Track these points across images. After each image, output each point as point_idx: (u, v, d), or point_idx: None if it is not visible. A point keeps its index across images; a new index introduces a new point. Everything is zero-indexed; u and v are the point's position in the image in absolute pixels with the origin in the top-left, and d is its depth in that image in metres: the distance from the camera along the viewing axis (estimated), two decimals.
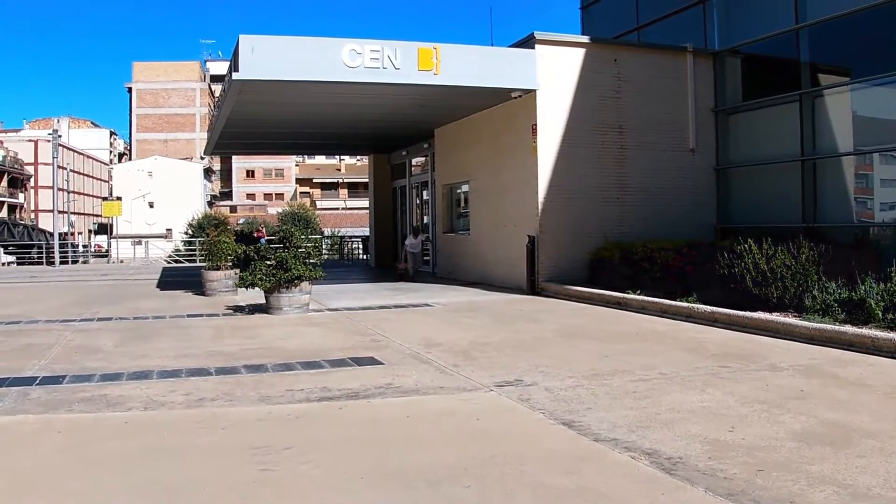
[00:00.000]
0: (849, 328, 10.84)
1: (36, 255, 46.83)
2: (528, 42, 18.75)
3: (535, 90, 18.48)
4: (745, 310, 12.85)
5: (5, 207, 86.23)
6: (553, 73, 18.65)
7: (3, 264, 45.99)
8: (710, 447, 6.23)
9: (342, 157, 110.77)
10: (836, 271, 12.90)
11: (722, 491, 5.26)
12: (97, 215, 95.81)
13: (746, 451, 6.12)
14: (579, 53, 19.15)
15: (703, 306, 13.53)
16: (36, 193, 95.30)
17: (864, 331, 10.59)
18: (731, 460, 5.89)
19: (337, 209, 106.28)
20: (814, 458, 5.89)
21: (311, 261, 16.73)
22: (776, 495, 5.16)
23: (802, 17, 18.06)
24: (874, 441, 6.29)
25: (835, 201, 17.82)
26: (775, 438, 6.42)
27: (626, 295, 15.66)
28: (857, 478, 5.45)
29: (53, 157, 47.75)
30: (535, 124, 18.66)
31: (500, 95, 19.16)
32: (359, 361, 10.25)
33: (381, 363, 10.12)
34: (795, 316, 12.27)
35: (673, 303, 14.30)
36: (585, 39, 19.96)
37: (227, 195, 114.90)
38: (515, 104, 19.34)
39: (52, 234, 49.01)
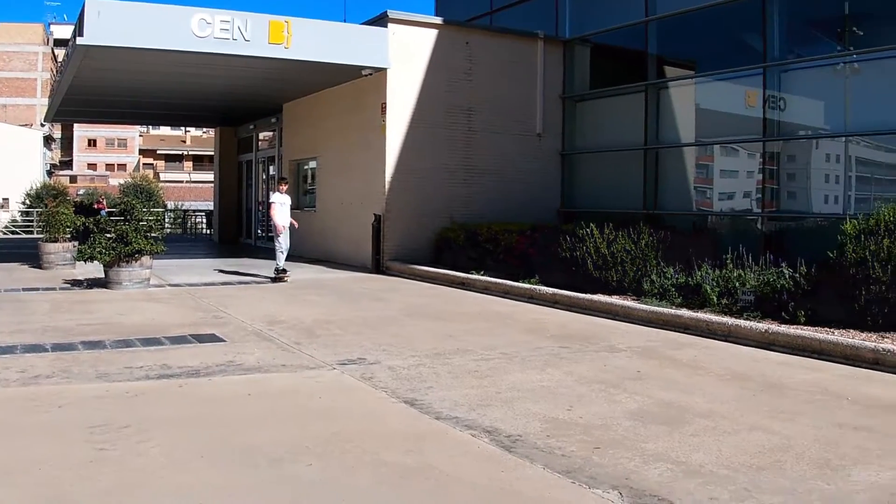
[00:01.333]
0: (685, 312, 11.16)
1: None
2: (380, 20, 18.57)
3: (385, 69, 18.32)
4: (585, 292, 13.09)
5: None
6: (405, 53, 18.54)
7: None
8: (548, 425, 6.28)
9: (188, 128, 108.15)
10: (675, 257, 13.28)
11: (559, 468, 5.30)
12: None
13: (584, 429, 6.20)
14: (432, 34, 19.09)
15: (545, 288, 13.72)
16: None
17: (700, 314, 10.93)
18: (568, 438, 5.95)
19: (181, 182, 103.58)
20: (649, 437, 6.01)
21: (153, 235, 16.24)
22: (612, 472, 5.23)
23: (652, 10, 18.45)
24: (707, 420, 6.46)
25: (675, 190, 18.33)
26: (612, 417, 6.53)
27: (469, 275, 15.76)
28: (691, 455, 5.58)
29: None
30: (385, 103, 18.51)
31: (350, 72, 18.90)
32: (200, 338, 10.01)
33: (223, 340, 9.91)
34: (634, 299, 12.57)
35: (515, 284, 14.45)
36: (438, 20, 19.90)
37: (67, 164, 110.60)
38: (366, 82, 19.15)
39: None
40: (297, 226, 18.13)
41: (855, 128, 14.83)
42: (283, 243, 17.08)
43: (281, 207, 17.17)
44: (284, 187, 17.84)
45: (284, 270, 16.93)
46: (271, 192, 24.38)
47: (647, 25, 18.60)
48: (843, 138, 15.04)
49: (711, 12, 16.96)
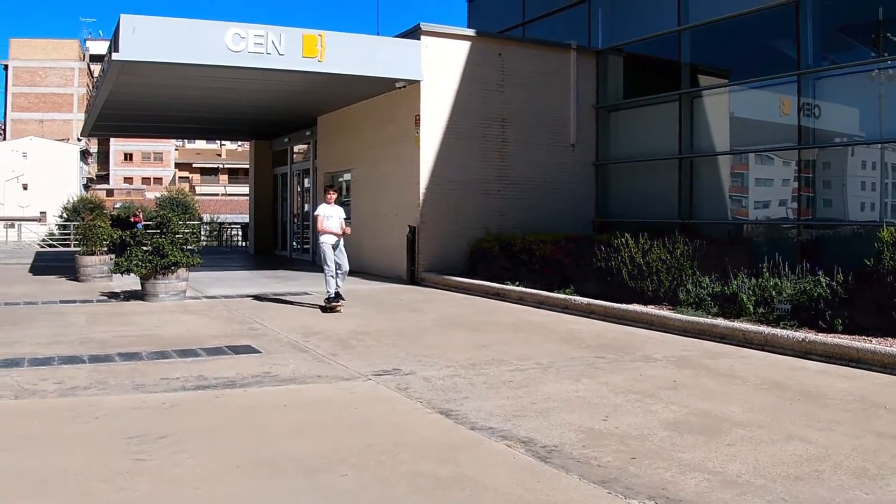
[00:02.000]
0: (721, 321, 11.10)
1: None
2: (413, 33, 18.67)
3: (419, 81, 18.40)
4: (621, 302, 13.05)
5: None
6: (438, 65, 18.61)
7: None
8: (584, 436, 6.28)
9: (223, 142, 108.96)
10: (710, 266, 13.21)
11: (596, 478, 5.30)
12: None
13: (620, 439, 6.18)
14: (464, 46, 19.16)
15: (580, 298, 13.70)
16: None
17: (736, 324, 10.86)
18: (604, 448, 5.94)
19: (217, 195, 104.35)
20: (685, 447, 5.99)
21: (189, 247, 16.36)
22: (648, 482, 5.22)
23: (684, 19, 18.42)
24: (743, 430, 6.43)
25: (710, 199, 18.25)
26: (648, 427, 6.51)
27: (504, 286, 15.76)
28: (727, 465, 5.55)
29: None
30: (419, 115, 18.59)
31: (384, 85, 19.01)
32: (235, 350, 10.07)
33: (259, 351, 9.96)
34: (670, 309, 12.51)
35: (550, 294, 14.44)
36: (471, 32, 19.97)
37: (104, 178, 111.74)
38: (399, 94, 19.24)
39: None
40: (348, 232, 15.11)
41: (891, 134, 14.69)
42: (331, 266, 14.08)
43: (328, 221, 14.31)
44: (333, 196, 14.77)
45: (337, 297, 13.98)
46: (306, 204, 24.41)
47: (680, 34, 18.56)
48: (879, 145, 14.92)
49: (744, 20, 16.92)
